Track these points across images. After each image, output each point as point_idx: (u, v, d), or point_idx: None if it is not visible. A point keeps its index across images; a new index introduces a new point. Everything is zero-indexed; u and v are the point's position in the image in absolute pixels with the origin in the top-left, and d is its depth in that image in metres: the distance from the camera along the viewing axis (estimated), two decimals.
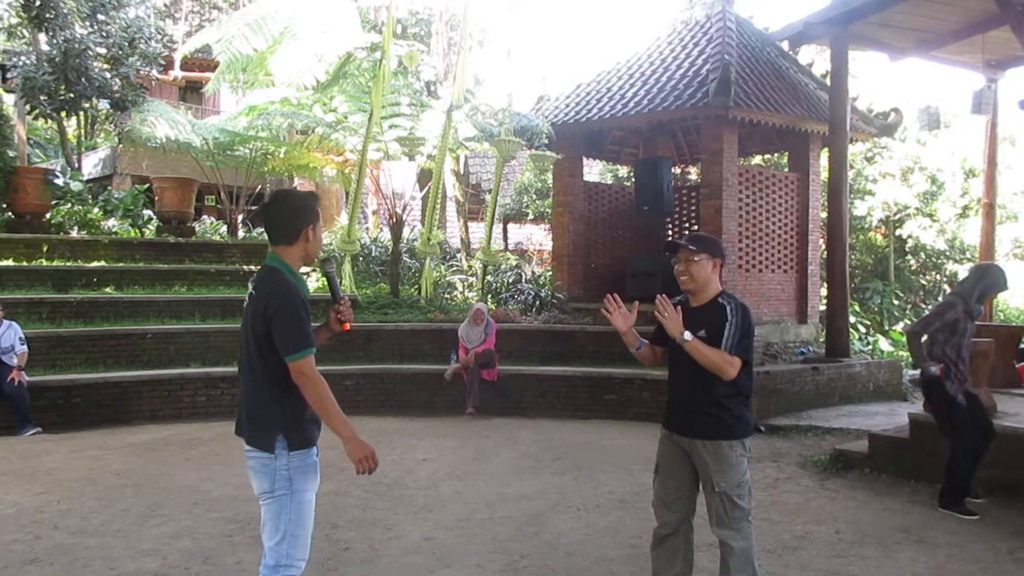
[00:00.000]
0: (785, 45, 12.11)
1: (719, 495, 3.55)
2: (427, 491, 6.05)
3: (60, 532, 4.98)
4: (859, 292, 16.31)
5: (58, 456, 7.06)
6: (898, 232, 17.41)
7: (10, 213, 11.57)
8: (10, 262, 10.57)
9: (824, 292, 11.74)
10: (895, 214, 17.18)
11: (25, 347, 8.22)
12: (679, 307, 3.69)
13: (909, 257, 17.92)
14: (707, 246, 3.63)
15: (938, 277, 17.86)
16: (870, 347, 13.47)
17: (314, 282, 11.26)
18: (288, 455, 2.93)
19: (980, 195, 13.16)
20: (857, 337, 13.62)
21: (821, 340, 11.48)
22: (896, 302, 16.59)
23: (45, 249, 10.96)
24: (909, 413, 6.91)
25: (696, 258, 3.59)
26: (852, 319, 12.85)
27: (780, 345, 11.03)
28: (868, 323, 15.52)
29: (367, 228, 18.69)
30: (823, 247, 12.27)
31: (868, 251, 17.95)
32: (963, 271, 16.88)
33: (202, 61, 19.23)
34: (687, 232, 13.23)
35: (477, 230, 18.71)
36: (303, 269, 3.25)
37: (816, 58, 16.37)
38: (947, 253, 17.32)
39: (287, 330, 2.85)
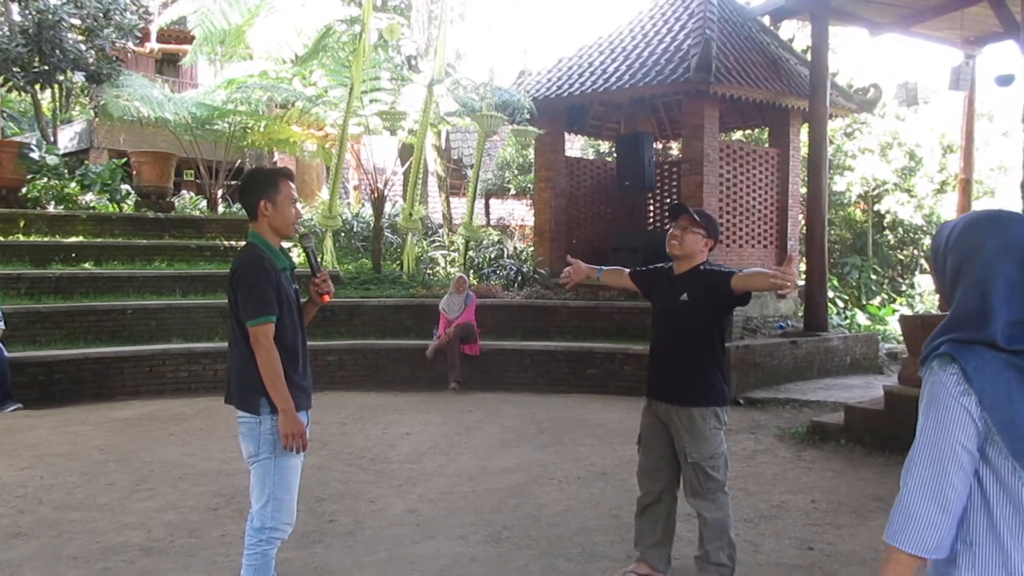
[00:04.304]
0: (766, 20, 12.13)
1: (692, 466, 3.65)
2: (410, 465, 6.11)
3: (44, 506, 5.00)
4: (837, 267, 16.48)
5: (40, 432, 7.05)
6: (876, 207, 17.56)
7: None
8: None
9: (803, 267, 11.87)
10: (874, 189, 17.32)
11: (2, 324, 8.18)
12: (663, 274, 3.86)
13: (887, 232, 18.09)
14: (708, 223, 3.75)
15: (915, 252, 18.05)
16: (848, 321, 13.64)
17: (298, 257, 11.23)
18: (272, 418, 3.02)
19: (957, 171, 13.30)
20: (835, 311, 13.79)
21: (800, 314, 11.61)
22: (874, 277, 16.77)
23: (22, 224, 10.83)
24: (884, 386, 7.06)
25: (695, 229, 3.68)
26: (830, 294, 12.98)
27: (759, 319, 11.15)
28: (846, 298, 15.70)
29: (348, 203, 18.59)
30: (803, 222, 12.37)
31: (847, 226, 18.10)
32: None
33: (179, 33, 18.93)
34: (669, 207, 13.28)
35: (459, 205, 18.67)
36: (287, 245, 3.29)
37: (797, 33, 16.45)
38: (924, 228, 17.50)
39: (247, 297, 3.00)
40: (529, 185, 18.34)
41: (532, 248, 13.53)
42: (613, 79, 11.26)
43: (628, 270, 4.10)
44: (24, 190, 11.79)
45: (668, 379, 3.72)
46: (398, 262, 12.65)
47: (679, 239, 3.70)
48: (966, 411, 1.53)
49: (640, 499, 3.88)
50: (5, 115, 17.89)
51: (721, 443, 3.70)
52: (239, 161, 15.35)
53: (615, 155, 13.29)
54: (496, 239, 15.44)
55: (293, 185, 3.19)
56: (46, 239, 10.78)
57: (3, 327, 8.19)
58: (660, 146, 15.86)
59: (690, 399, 3.65)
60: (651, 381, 3.85)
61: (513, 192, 21.06)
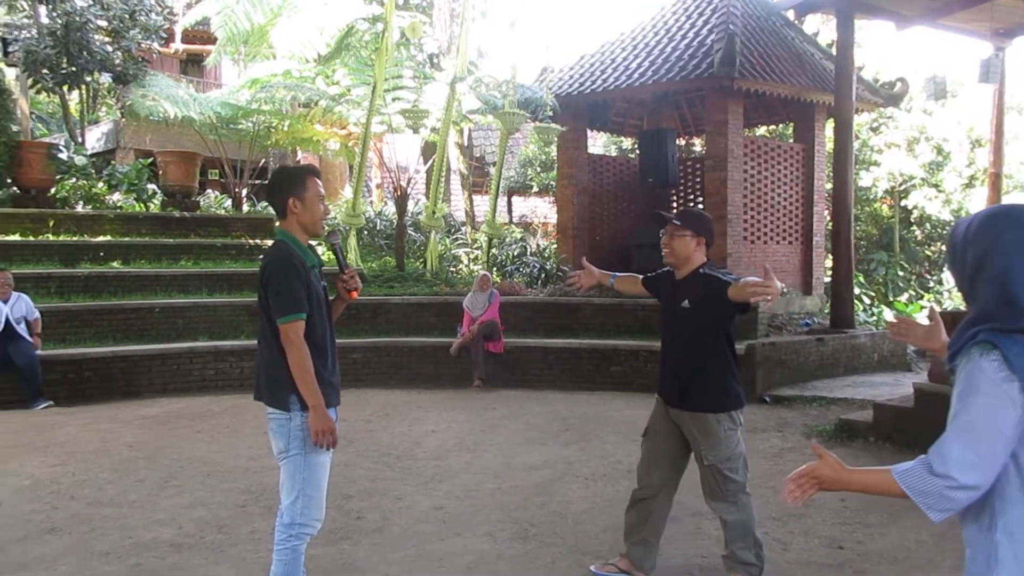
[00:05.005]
0: (791, 14, 12.01)
1: (709, 468, 3.62)
2: (436, 462, 6.13)
3: (77, 502, 5.07)
4: (864, 263, 16.30)
5: (71, 429, 7.15)
6: (903, 203, 17.35)
7: (15, 188, 11.58)
8: (17, 237, 10.59)
9: (829, 263, 11.76)
10: (900, 185, 17.12)
11: (38, 314, 8.40)
12: (669, 277, 3.83)
13: (914, 228, 17.88)
14: (692, 223, 3.71)
15: (943, 248, 17.82)
16: (875, 318, 13.48)
17: (324, 254, 11.28)
18: (302, 415, 3.04)
19: (987, 165, 13.11)
20: (862, 308, 13.64)
21: (826, 311, 11.51)
22: (901, 273, 16.58)
23: (51, 224, 10.97)
24: (914, 383, 6.98)
25: (680, 233, 3.66)
26: (857, 290, 12.86)
27: (785, 316, 11.06)
28: (873, 294, 15.53)
29: (371, 202, 18.68)
30: (828, 218, 12.25)
31: (873, 222, 17.90)
32: None
33: (203, 33, 19.09)
34: (691, 204, 13.23)
35: (482, 203, 18.69)
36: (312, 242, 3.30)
37: (822, 28, 16.28)
38: (953, 224, 17.27)
39: (277, 294, 3.02)
40: (552, 182, 18.30)
41: (555, 245, 13.52)
42: (636, 75, 11.22)
43: (641, 276, 4.07)
44: (53, 190, 11.95)
45: (679, 385, 3.69)
46: (421, 260, 12.68)
47: (669, 246, 3.70)
48: (1008, 397, 1.56)
49: (635, 492, 3.84)
50: (34, 116, 18.15)
51: (738, 444, 3.66)
52: (263, 160, 15.47)
53: (638, 152, 13.23)
54: (519, 237, 15.43)
55: (320, 182, 3.21)
56: (75, 238, 10.92)
57: (39, 316, 8.42)
58: (683, 142, 15.78)
59: (703, 405, 3.62)
60: (662, 384, 3.83)
61: (536, 189, 21.03)
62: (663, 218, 3.75)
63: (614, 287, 4.11)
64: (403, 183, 12.61)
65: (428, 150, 14.35)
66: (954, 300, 15.46)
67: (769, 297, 3.17)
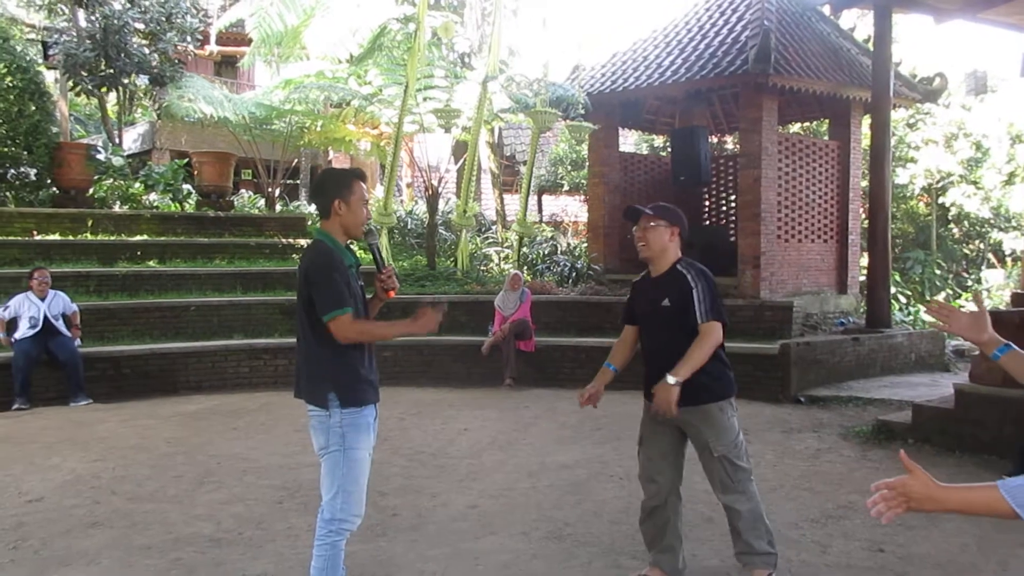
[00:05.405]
0: (826, 9, 11.86)
1: (719, 460, 3.58)
2: (469, 460, 6.14)
3: (117, 497, 5.15)
4: (900, 262, 16.04)
5: (110, 425, 7.27)
6: (941, 200, 17.04)
7: (55, 189, 11.81)
8: (57, 236, 10.81)
9: (865, 262, 11.58)
10: (938, 182, 16.80)
11: (75, 307, 8.63)
12: (642, 282, 3.82)
13: (952, 226, 17.55)
14: (665, 214, 3.69)
15: (982, 246, 17.49)
16: (911, 317, 13.25)
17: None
18: (341, 412, 3.07)
19: None
20: (898, 307, 13.42)
21: (861, 311, 11.34)
22: (938, 272, 16.28)
23: (90, 223, 11.18)
24: (954, 383, 6.85)
25: (653, 223, 3.64)
26: (893, 289, 12.64)
27: (820, 316, 10.92)
28: (909, 293, 15.26)
29: (402, 201, 18.77)
30: (864, 216, 12.07)
31: (910, 220, 17.61)
32: (1008, 240, 16.52)
33: (237, 35, 19.32)
34: (724, 202, 13.12)
35: (512, 202, 18.67)
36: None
37: (858, 22, 16.02)
38: (992, 221, 16.92)
39: (320, 291, 3.05)
40: (582, 181, 18.25)
41: (585, 244, 13.47)
42: (668, 72, 11.13)
43: (625, 324, 3.98)
44: (91, 190, 12.18)
45: None
46: (452, 259, 12.72)
47: (643, 239, 3.65)
48: None
49: (644, 502, 3.78)
50: (73, 118, 18.48)
51: (739, 431, 3.65)
52: (296, 160, 15.61)
53: (670, 150, 13.14)
54: (549, 235, 15.41)
55: (365, 186, 3.24)
56: (112, 238, 11.12)
57: (77, 310, 8.60)
58: (716, 140, 15.65)
59: (705, 397, 3.58)
60: (652, 386, 3.71)
61: (566, 188, 20.98)
62: (636, 212, 3.71)
63: (619, 369, 3.93)
64: (434, 182, 12.66)
65: (459, 149, 14.38)
66: (994, 299, 15.15)
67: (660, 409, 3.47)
